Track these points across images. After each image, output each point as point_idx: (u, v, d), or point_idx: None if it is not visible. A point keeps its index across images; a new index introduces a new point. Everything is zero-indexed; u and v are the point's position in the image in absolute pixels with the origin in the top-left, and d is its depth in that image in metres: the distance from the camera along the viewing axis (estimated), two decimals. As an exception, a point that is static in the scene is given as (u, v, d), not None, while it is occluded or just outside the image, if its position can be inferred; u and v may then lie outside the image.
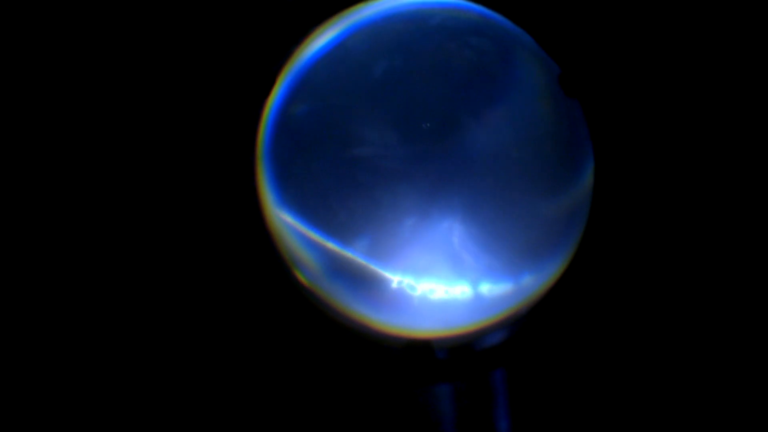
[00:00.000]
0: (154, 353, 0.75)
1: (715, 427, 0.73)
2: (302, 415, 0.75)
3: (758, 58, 0.72)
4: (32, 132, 0.74)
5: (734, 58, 0.73)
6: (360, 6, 0.71)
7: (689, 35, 0.73)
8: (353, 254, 0.69)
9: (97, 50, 0.74)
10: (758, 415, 0.73)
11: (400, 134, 0.69)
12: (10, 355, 0.75)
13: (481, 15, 0.70)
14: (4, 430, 0.75)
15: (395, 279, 0.70)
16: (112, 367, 0.74)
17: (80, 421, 0.75)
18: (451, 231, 0.69)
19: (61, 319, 0.75)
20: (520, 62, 0.70)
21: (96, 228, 0.74)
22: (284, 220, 0.70)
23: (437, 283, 0.70)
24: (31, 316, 0.75)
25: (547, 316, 0.71)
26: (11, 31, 0.74)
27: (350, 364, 0.72)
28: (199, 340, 0.74)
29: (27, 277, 0.75)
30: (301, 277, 0.71)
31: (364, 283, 0.70)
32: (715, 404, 0.73)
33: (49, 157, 0.74)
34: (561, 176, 0.69)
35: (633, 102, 0.72)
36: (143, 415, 0.74)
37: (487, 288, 0.70)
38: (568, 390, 0.74)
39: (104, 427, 0.75)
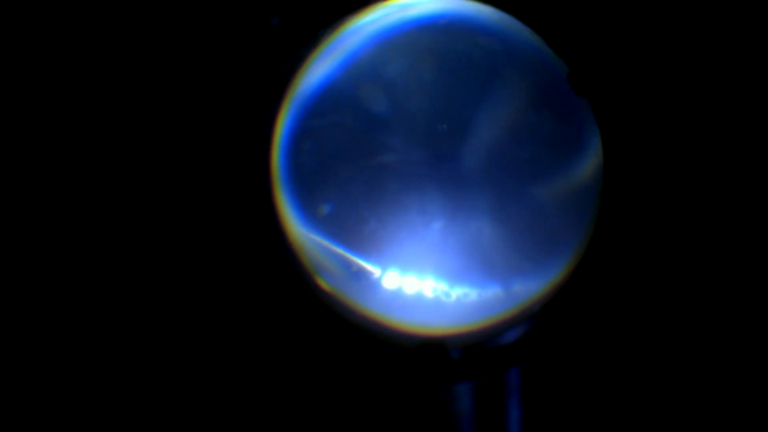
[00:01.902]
0: (179, 356, 0.75)
1: (727, 422, 0.74)
2: (318, 414, 0.75)
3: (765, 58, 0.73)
4: (50, 147, 0.74)
5: (742, 55, 0.73)
6: (366, 10, 0.71)
7: (696, 33, 0.73)
8: (376, 264, 0.70)
9: (115, 76, 0.73)
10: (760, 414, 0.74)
11: (418, 138, 0.69)
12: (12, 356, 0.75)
13: (489, 15, 0.70)
14: (4, 430, 0.75)
15: (426, 284, 0.70)
16: (137, 371, 0.74)
17: (96, 420, 0.75)
18: (480, 232, 0.70)
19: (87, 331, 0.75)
20: (529, 62, 0.70)
21: (121, 237, 0.74)
22: (309, 233, 0.70)
23: (469, 285, 0.70)
24: (59, 316, 0.75)
25: (558, 314, 0.71)
26: (12, 32, 0.73)
27: (368, 365, 0.73)
28: (220, 347, 0.74)
29: (53, 280, 0.75)
30: (324, 284, 0.71)
31: (390, 285, 0.70)
32: (727, 400, 0.74)
33: (70, 183, 0.74)
34: (571, 170, 0.70)
35: (642, 100, 0.72)
36: (167, 417, 0.75)
37: (517, 285, 0.70)
38: (577, 387, 0.75)
39: (117, 425, 0.75)
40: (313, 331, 0.71)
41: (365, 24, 0.70)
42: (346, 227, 0.70)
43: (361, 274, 0.69)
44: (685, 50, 0.73)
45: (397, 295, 0.70)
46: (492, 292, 0.70)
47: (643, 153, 0.72)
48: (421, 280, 0.70)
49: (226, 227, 0.72)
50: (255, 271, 0.71)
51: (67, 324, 0.74)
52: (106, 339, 0.74)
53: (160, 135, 0.73)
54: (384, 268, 0.70)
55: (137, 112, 0.73)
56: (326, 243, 0.70)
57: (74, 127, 0.74)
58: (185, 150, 0.73)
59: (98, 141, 0.74)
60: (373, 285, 0.70)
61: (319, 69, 0.70)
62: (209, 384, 0.75)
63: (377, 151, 0.69)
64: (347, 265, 0.70)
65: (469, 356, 0.71)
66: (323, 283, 0.71)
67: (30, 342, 0.74)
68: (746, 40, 0.73)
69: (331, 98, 0.70)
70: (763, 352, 0.74)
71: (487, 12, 0.70)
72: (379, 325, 0.70)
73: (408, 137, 0.69)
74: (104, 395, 0.75)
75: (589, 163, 0.70)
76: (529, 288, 0.70)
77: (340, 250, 0.70)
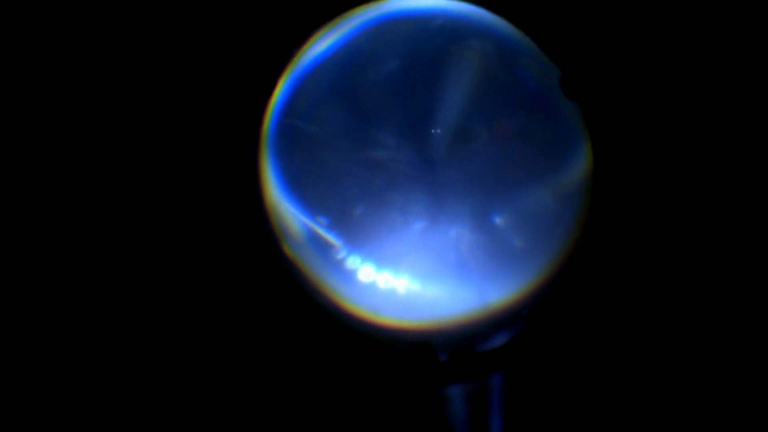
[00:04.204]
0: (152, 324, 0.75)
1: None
2: (287, 404, 0.75)
3: (756, 64, 0.72)
4: (36, 132, 0.75)
5: (733, 60, 0.72)
6: (362, 8, 0.71)
7: (688, 38, 0.72)
8: (356, 254, 0.69)
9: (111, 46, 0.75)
10: (757, 414, 0.72)
11: (406, 138, 0.69)
12: (8, 356, 0.75)
13: (482, 18, 0.71)
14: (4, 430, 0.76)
15: (398, 281, 0.70)
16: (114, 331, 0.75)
17: (71, 420, 0.75)
18: (459, 238, 0.69)
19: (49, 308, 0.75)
20: (522, 65, 0.70)
21: (98, 204, 0.75)
22: (292, 217, 0.71)
23: (442, 288, 0.69)
24: (25, 315, 0.75)
25: (545, 318, 0.71)
26: (11, 31, 0.75)
27: (347, 360, 0.72)
28: (188, 322, 0.74)
29: (23, 274, 0.75)
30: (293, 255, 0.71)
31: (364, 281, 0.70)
32: (708, 410, 0.73)
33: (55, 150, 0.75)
34: (560, 175, 0.69)
35: (633, 104, 0.72)
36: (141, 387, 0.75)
37: (491, 294, 0.69)
38: (560, 393, 0.74)
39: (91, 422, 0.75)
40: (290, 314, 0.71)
41: (356, 22, 0.71)
42: (330, 217, 0.70)
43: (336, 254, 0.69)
44: (677, 54, 0.72)
45: (370, 289, 0.70)
46: (472, 295, 0.69)
47: (633, 159, 0.71)
48: (395, 278, 0.69)
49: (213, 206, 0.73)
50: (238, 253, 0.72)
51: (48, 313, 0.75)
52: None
53: (150, 126, 0.75)
54: (361, 261, 0.70)
55: (125, 108, 0.75)
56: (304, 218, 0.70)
57: (53, 110, 0.75)
58: (182, 137, 0.74)
59: (95, 132, 0.75)
60: (348, 276, 0.70)
61: (308, 62, 0.70)
62: (181, 356, 0.75)
63: (364, 145, 0.69)
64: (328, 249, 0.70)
65: (457, 359, 0.70)
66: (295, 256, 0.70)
67: (17, 342, 0.75)
68: (736, 48, 0.72)
69: (320, 91, 0.70)
70: (754, 361, 0.72)
71: (481, 14, 0.70)
72: (351, 316, 0.70)
73: (396, 136, 0.69)
74: (83, 383, 0.75)
75: (578, 169, 0.70)
76: (511, 293, 0.69)
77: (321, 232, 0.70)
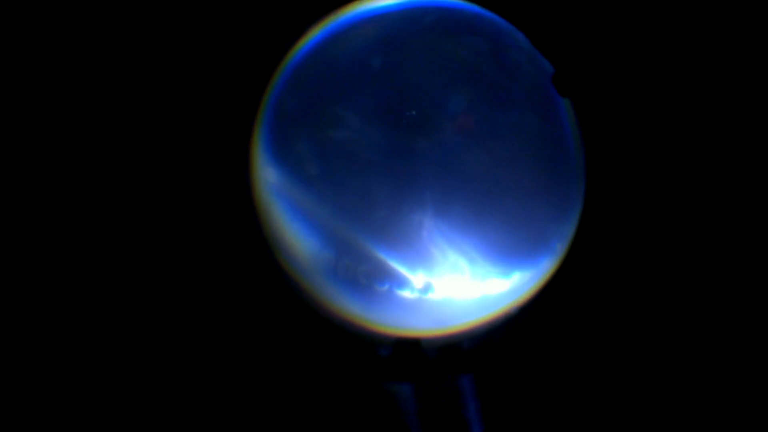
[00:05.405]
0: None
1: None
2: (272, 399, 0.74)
3: (751, 60, 0.72)
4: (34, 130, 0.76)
5: (725, 57, 0.72)
6: (352, 5, 0.72)
7: (680, 35, 0.73)
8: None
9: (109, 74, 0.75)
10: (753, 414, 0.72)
11: (382, 125, 0.69)
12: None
13: (475, 15, 0.71)
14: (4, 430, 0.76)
15: (363, 273, 0.70)
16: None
17: (58, 421, 0.75)
18: (420, 225, 0.69)
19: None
20: (512, 62, 0.70)
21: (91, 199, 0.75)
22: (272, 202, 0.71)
23: (402, 276, 0.70)
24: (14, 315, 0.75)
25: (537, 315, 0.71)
26: (9, 31, 0.75)
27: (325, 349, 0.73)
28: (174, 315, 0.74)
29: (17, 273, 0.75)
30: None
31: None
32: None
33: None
34: (552, 170, 0.70)
35: (625, 101, 0.72)
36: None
37: (449, 284, 0.69)
38: (556, 390, 0.74)
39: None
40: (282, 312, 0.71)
41: (350, 17, 0.71)
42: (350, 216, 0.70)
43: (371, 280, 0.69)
44: (668, 51, 0.72)
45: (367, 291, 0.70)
46: (466, 292, 0.69)
47: (625, 156, 0.71)
48: (396, 275, 0.69)
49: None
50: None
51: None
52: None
53: (147, 123, 0.75)
54: (360, 257, 0.70)
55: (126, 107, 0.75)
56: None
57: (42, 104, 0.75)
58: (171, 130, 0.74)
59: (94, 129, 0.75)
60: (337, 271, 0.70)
61: (299, 59, 0.71)
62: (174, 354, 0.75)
63: (360, 143, 0.69)
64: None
65: (445, 355, 0.70)
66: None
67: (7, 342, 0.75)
68: (728, 43, 0.72)
69: (308, 77, 0.70)
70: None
71: (474, 11, 0.71)
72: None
73: (387, 129, 0.69)
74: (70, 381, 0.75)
75: (570, 164, 0.70)
76: (505, 290, 0.70)
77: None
